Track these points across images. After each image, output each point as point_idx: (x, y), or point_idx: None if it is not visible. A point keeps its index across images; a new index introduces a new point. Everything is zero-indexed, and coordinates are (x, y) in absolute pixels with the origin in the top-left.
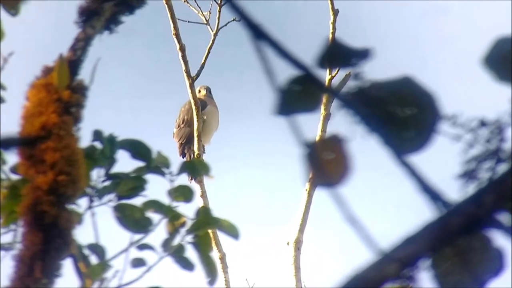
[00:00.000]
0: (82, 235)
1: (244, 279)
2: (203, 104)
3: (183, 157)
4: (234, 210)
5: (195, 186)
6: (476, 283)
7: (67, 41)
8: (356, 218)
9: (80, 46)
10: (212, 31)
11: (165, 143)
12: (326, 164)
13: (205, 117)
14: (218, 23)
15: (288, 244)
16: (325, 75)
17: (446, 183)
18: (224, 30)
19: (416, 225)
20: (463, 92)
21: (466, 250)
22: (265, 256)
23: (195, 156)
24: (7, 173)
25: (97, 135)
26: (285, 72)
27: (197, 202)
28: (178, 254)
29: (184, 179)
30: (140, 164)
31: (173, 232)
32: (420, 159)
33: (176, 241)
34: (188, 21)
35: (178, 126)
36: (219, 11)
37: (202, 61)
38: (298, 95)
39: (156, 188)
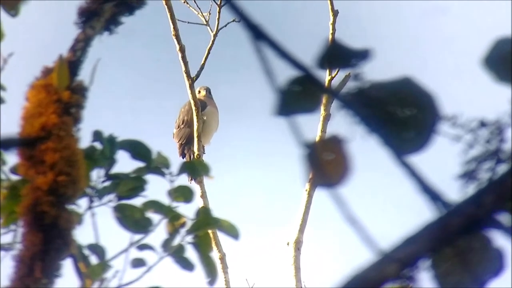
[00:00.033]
0: (82, 235)
1: (244, 279)
2: (203, 105)
3: (183, 158)
4: (234, 210)
5: (195, 186)
6: (476, 283)
7: (67, 42)
8: (356, 218)
9: (80, 47)
10: (212, 31)
11: (165, 144)
12: (326, 164)
13: (205, 118)
14: (218, 23)
15: (288, 244)
16: (325, 76)
17: (446, 183)
18: (224, 30)
19: (416, 225)
20: (463, 93)
21: (466, 250)
22: (265, 256)
23: (195, 157)
24: (7, 173)
25: (97, 135)
26: (285, 73)
27: (197, 202)
28: (178, 254)
29: (184, 180)
30: (140, 164)
31: (173, 233)
32: (420, 160)
33: (176, 241)
34: (188, 22)
35: (178, 127)
36: (219, 12)
37: (202, 61)
38: (298, 96)
39: (156, 188)
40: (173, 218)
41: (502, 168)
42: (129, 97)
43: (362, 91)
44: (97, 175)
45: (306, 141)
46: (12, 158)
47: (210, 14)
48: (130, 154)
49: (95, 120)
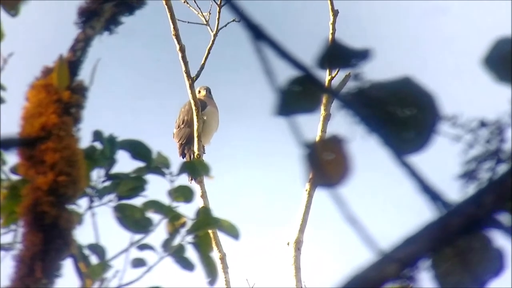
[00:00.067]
0: (82, 235)
1: (244, 279)
2: (203, 105)
3: (183, 158)
4: (234, 210)
5: (195, 186)
6: (476, 284)
7: (67, 42)
8: (356, 218)
9: (80, 47)
10: (212, 31)
11: (165, 144)
12: (326, 164)
13: (205, 118)
14: (218, 23)
15: (288, 244)
16: (325, 76)
17: (446, 183)
18: (224, 30)
19: (416, 225)
20: (463, 93)
21: (466, 250)
22: (265, 256)
23: (195, 157)
24: (7, 173)
25: (97, 135)
26: (285, 73)
27: (197, 202)
28: (178, 254)
29: (184, 180)
30: (140, 164)
31: (173, 232)
32: (420, 160)
33: (176, 241)
34: (188, 22)
35: (178, 127)
36: (219, 12)
37: (202, 61)
38: (298, 96)
39: (156, 188)
40: (173, 218)
41: (502, 168)
42: (129, 97)
43: (362, 91)
44: (97, 175)
45: (306, 141)
46: (12, 158)
47: (210, 14)
48: (130, 154)
49: (95, 120)
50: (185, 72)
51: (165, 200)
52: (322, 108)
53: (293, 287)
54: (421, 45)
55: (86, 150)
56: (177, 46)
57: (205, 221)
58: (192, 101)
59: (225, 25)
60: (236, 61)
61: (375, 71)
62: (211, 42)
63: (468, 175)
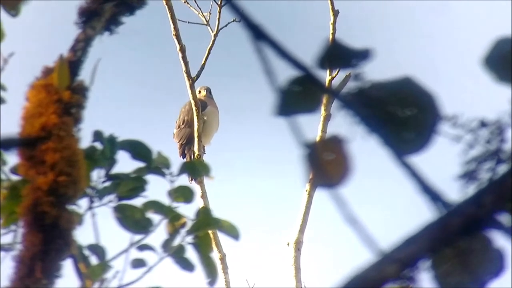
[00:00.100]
0: (83, 235)
1: (244, 280)
2: (204, 105)
3: (183, 158)
4: (234, 210)
5: (195, 186)
6: (476, 284)
7: (67, 42)
8: (356, 219)
9: (80, 47)
10: (212, 31)
11: (165, 144)
12: (327, 164)
13: (205, 118)
14: (218, 23)
15: (288, 244)
16: (326, 76)
17: (446, 183)
18: (224, 30)
19: (416, 225)
20: (463, 93)
21: (466, 251)
22: (265, 257)
23: (196, 157)
24: (7, 173)
25: (98, 135)
26: (285, 73)
27: (198, 202)
28: (178, 255)
29: (184, 180)
30: (140, 164)
31: (173, 233)
32: (420, 160)
33: (176, 241)
34: (188, 22)
35: (179, 127)
36: (219, 12)
37: (202, 61)
38: (299, 96)
39: (157, 188)
40: (174, 218)
41: (503, 168)
42: (128, 97)
43: (363, 91)
44: (97, 175)
45: (307, 141)
46: (12, 158)
47: (210, 14)
48: (130, 154)
49: (95, 120)
50: (186, 72)
51: (165, 200)
52: (323, 108)
53: (293, 287)
54: (420, 46)
55: (86, 150)
56: (178, 46)
57: (205, 221)
58: (192, 101)
59: (226, 25)
60: (236, 61)
61: (375, 71)
62: (211, 42)
63: (468, 175)
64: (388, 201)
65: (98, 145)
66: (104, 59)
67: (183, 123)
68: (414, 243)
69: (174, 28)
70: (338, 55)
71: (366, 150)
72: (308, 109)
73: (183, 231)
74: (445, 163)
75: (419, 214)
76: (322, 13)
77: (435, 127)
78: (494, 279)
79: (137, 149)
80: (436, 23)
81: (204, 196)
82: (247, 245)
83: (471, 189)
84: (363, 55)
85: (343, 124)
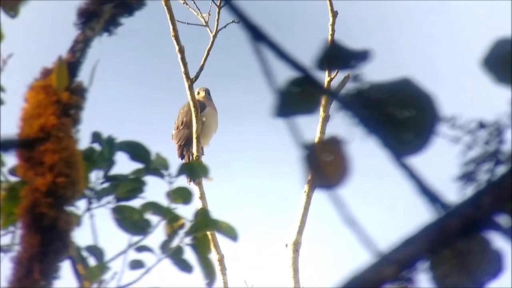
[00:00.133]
0: (81, 237)
1: (242, 281)
2: (202, 106)
3: (182, 159)
4: (232, 211)
5: (194, 188)
6: (474, 285)
7: (66, 43)
8: (355, 220)
9: (79, 48)
10: (211, 32)
11: (163, 145)
12: (325, 166)
13: (204, 119)
14: (217, 25)
15: (286, 246)
16: (324, 77)
17: (444, 185)
18: (223, 31)
19: (414, 227)
20: (462, 94)
21: (465, 252)
22: (264, 258)
23: (194, 158)
24: (5, 175)
25: (96, 137)
26: (284, 74)
27: (196, 204)
28: (176, 256)
29: (183, 181)
30: (139, 166)
31: (171, 234)
32: (419, 161)
33: (175, 243)
34: (187, 23)
35: (177, 128)
36: (218, 13)
37: (201, 62)
38: (297, 97)
39: (155, 190)
40: (172, 219)
41: (501, 170)
42: (127, 98)
43: (361, 92)
44: (96, 177)
45: (305, 142)
46: (11, 159)
47: (209, 15)
48: (129, 156)
49: (94, 121)
50: (184, 73)
51: (164, 201)
52: (321, 109)
53: None
54: (420, 46)
55: (85, 152)
56: (177, 47)
57: (204, 222)
58: (191, 102)
59: (225, 26)
60: (235, 62)
61: (375, 72)
62: (210, 43)
63: (467, 177)
64: (386, 202)
65: (96, 146)
66: (103, 60)
67: (181, 124)
68: (413, 244)
69: (173, 29)
70: (337, 56)
71: (365, 151)
72: (306, 110)
73: (181, 232)
74: (443, 164)
75: (417, 215)
76: (321, 14)
77: (434, 128)
78: (493, 280)
79: (136, 150)
80: (436, 23)
81: (202, 197)
82: (246, 246)
83: (469, 190)
84: (362, 56)
85: (342, 125)
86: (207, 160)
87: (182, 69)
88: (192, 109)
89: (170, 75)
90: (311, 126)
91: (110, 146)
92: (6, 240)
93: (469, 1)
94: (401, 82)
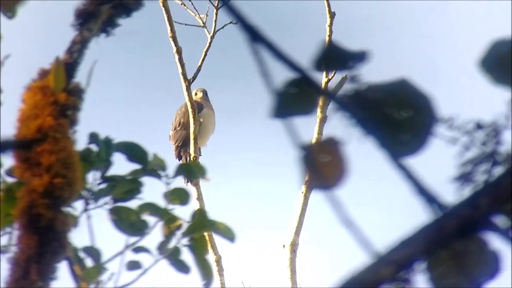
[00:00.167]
0: (78, 238)
1: (240, 282)
2: (200, 107)
3: (179, 160)
4: (230, 212)
5: (191, 188)
6: (472, 286)
7: (64, 44)
8: (352, 221)
9: (77, 49)
10: (209, 33)
11: (161, 146)
12: (323, 166)
13: (201, 120)
14: (215, 25)
15: (284, 246)
16: (322, 78)
17: (442, 185)
18: (221, 32)
19: (411, 227)
20: (463, 93)
21: (462, 253)
22: (261, 259)
23: (191, 159)
24: (2, 175)
25: (93, 137)
26: (282, 75)
27: (193, 204)
28: (173, 257)
29: (180, 182)
30: (136, 166)
31: (169, 235)
32: (416, 162)
33: (172, 243)
34: (185, 24)
35: (175, 129)
36: (216, 14)
37: (199, 63)
38: (295, 98)
39: (152, 190)
40: (169, 220)
41: (498, 170)
42: (125, 99)
43: (359, 93)
44: (93, 178)
45: (303, 143)
46: (8, 160)
47: (207, 16)
48: (126, 156)
49: (91, 122)
50: (182, 74)
51: (161, 202)
52: (319, 110)
53: None
54: (420, 46)
55: (82, 152)
56: (174, 48)
57: (201, 223)
58: (188, 103)
59: (222, 27)
60: (232, 63)
61: (375, 72)
62: (208, 44)
63: (464, 177)
64: (384, 203)
65: (93, 147)
66: (101, 61)
67: (179, 125)
68: (410, 245)
69: (171, 30)
70: (334, 57)
71: (362, 152)
72: (304, 111)
73: (178, 233)
74: (441, 165)
75: (414, 216)
76: (319, 15)
77: (431, 129)
78: (490, 281)
79: (133, 151)
80: (436, 23)
81: (200, 198)
82: (243, 247)
83: (466, 191)
84: (360, 57)
85: (339, 126)
86: (205, 161)
87: (180, 70)
88: (190, 110)
89: (167, 76)
90: (308, 127)
91: (107, 147)
92: (3, 241)
93: (469, 1)
94: (399, 83)
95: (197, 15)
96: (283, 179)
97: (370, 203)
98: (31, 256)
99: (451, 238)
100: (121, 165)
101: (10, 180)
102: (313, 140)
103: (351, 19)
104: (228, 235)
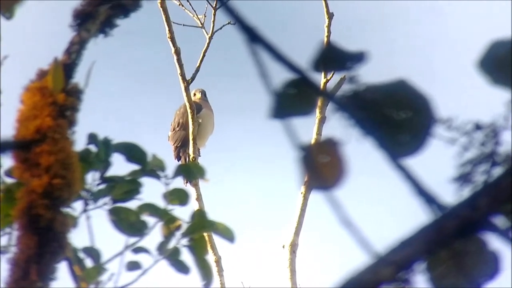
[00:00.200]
0: (77, 238)
1: (239, 282)
2: (198, 107)
3: (178, 160)
4: (229, 213)
5: (190, 189)
6: (471, 286)
7: (62, 45)
8: (352, 221)
9: (75, 50)
10: (207, 34)
11: (160, 146)
12: (322, 167)
13: (200, 120)
14: (213, 26)
15: (283, 247)
16: (320, 78)
17: (441, 186)
18: (219, 33)
19: (411, 228)
20: (462, 94)
21: (461, 253)
22: (261, 259)
23: (191, 159)
24: (2, 176)
25: (92, 138)
26: (280, 75)
27: (193, 205)
28: (173, 257)
29: (179, 182)
30: (135, 167)
31: (168, 235)
32: (415, 162)
33: (172, 244)
34: (183, 25)
35: (173, 129)
36: (214, 15)
37: (197, 64)
38: (294, 98)
39: (151, 191)
40: (169, 221)
41: (497, 171)
42: (124, 99)
43: (357, 93)
44: (92, 178)
45: (302, 144)
46: (7, 161)
47: (205, 16)
48: (125, 157)
49: (90, 122)
50: (180, 75)
51: (160, 203)
52: (317, 110)
53: None
54: (418, 47)
55: (81, 153)
56: (172, 49)
57: (200, 224)
58: (187, 104)
59: (220, 28)
60: (231, 63)
61: (373, 73)
62: (206, 45)
63: (463, 178)
64: (383, 203)
65: (92, 148)
66: (99, 61)
67: (178, 126)
68: (410, 245)
69: (169, 30)
70: (333, 57)
71: (361, 152)
72: (303, 112)
73: (178, 234)
74: (440, 165)
75: (414, 217)
76: (317, 16)
77: (430, 129)
78: (489, 281)
79: (132, 152)
80: (434, 24)
81: (199, 198)
82: (243, 247)
83: (466, 192)
84: (358, 57)
85: (338, 127)
86: (204, 161)
87: (178, 71)
88: (189, 110)
89: (166, 77)
90: (307, 128)
91: (106, 147)
92: (3, 241)
93: (468, 1)
94: (397, 83)
95: (195, 16)
96: (282, 179)
97: (370, 203)
98: (31, 256)
99: (451, 238)
100: (120, 166)
101: (9, 180)
102: (312, 141)
103: (349, 20)
104: (228, 235)
